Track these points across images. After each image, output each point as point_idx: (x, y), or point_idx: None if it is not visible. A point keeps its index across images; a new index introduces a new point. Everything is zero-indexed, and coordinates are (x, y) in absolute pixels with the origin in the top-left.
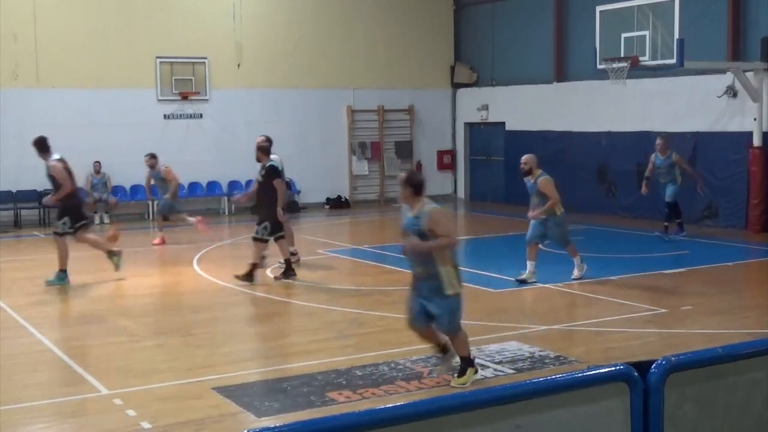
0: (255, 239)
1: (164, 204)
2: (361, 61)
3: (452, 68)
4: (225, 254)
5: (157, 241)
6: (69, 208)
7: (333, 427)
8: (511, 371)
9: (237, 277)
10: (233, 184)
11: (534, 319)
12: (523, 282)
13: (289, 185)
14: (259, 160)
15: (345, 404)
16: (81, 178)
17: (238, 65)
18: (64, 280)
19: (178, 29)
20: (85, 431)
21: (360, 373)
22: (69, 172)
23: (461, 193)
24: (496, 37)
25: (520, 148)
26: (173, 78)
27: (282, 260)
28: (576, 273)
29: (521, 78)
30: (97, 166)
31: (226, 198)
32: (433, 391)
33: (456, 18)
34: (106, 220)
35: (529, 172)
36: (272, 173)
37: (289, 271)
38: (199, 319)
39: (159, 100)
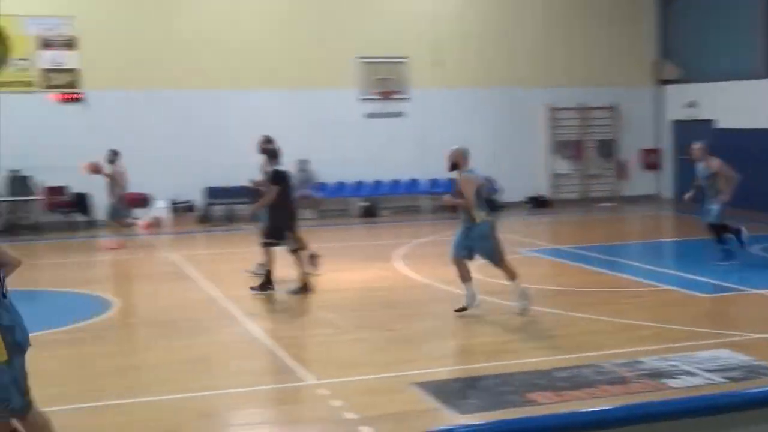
0: (292, 251)
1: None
2: (560, 59)
3: (656, 64)
4: (428, 252)
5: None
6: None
7: (546, 427)
8: (723, 380)
9: (292, 291)
10: (433, 183)
11: (746, 327)
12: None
13: (491, 183)
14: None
15: (546, 406)
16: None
17: (438, 64)
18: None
19: (378, 30)
20: (293, 418)
21: (561, 375)
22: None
23: (668, 193)
24: (703, 30)
25: (729, 147)
26: (374, 78)
27: (261, 270)
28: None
29: (730, 73)
30: (301, 164)
31: (429, 197)
32: (639, 396)
33: (662, 13)
34: (309, 216)
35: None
36: (274, 178)
37: (267, 284)
38: (400, 314)
39: (360, 99)
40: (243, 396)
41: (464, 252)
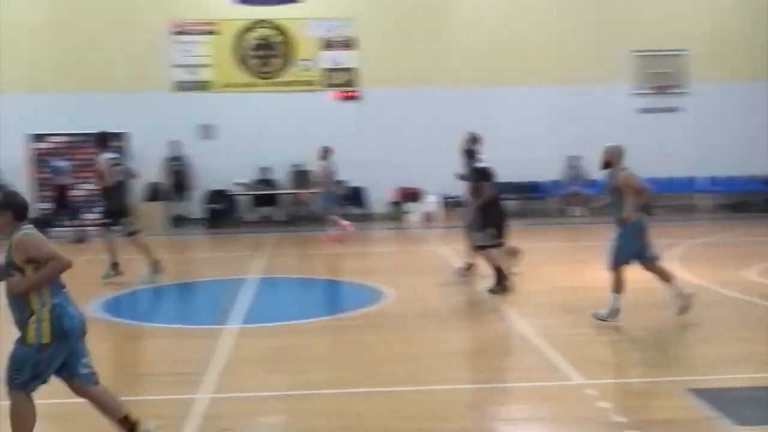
0: (477, 247)
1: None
2: None
3: None
4: (706, 253)
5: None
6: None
7: None
8: None
9: (490, 291)
10: (713, 181)
11: None
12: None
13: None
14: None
15: None
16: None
17: (717, 57)
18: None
19: (654, 21)
20: (559, 417)
21: None
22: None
23: None
24: None
25: None
26: (648, 71)
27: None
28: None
29: None
30: (571, 161)
31: (710, 195)
32: None
33: None
34: (578, 213)
35: None
36: (479, 176)
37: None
38: (670, 317)
39: (633, 94)
40: (510, 391)
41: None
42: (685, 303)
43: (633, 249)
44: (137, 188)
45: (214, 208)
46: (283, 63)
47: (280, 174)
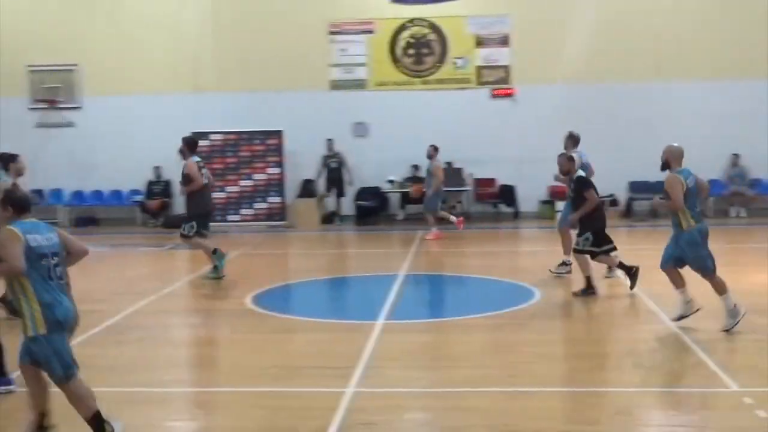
0: (575, 251)
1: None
2: None
3: None
4: None
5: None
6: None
7: None
8: None
9: (575, 293)
10: None
11: None
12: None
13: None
14: (567, 171)
15: None
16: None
17: None
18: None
19: None
20: (713, 425)
21: None
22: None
23: None
24: None
25: None
26: None
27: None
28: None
29: None
30: (734, 159)
31: None
32: None
33: None
34: (743, 214)
35: None
36: (581, 185)
37: (588, 288)
38: None
39: None
40: (661, 396)
41: (672, 262)
42: (731, 321)
43: (686, 255)
44: (294, 185)
45: (365, 204)
46: (437, 61)
47: None
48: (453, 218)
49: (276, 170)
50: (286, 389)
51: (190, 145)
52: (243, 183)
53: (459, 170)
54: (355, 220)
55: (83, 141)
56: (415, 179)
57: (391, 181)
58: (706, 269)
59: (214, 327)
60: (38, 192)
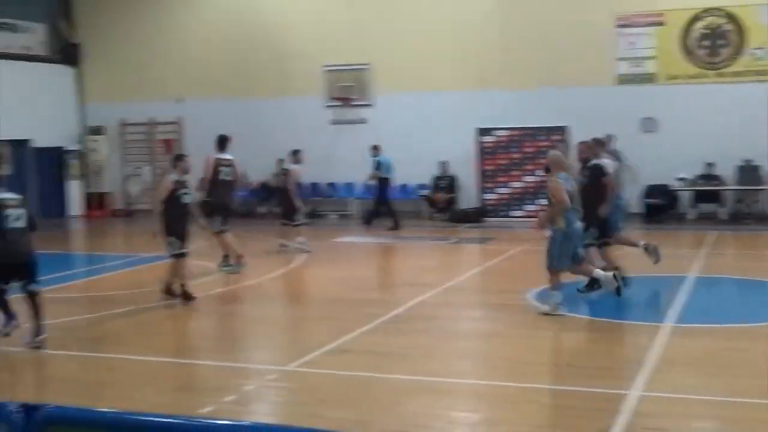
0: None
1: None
2: None
3: None
4: None
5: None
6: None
7: None
8: None
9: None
10: None
11: None
12: None
13: None
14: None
15: None
16: None
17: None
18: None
19: None
20: None
21: None
22: None
23: None
24: None
25: None
26: None
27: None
28: None
29: None
30: None
31: None
32: None
33: None
34: None
35: None
36: (597, 173)
37: (593, 284)
38: None
39: None
40: None
41: None
42: None
43: None
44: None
45: (653, 202)
46: (733, 52)
47: (725, 170)
48: None
49: None
50: (565, 387)
51: (219, 142)
52: (526, 179)
53: (756, 168)
54: (643, 219)
55: (374, 137)
56: (708, 178)
57: (681, 179)
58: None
59: (495, 321)
60: (332, 185)
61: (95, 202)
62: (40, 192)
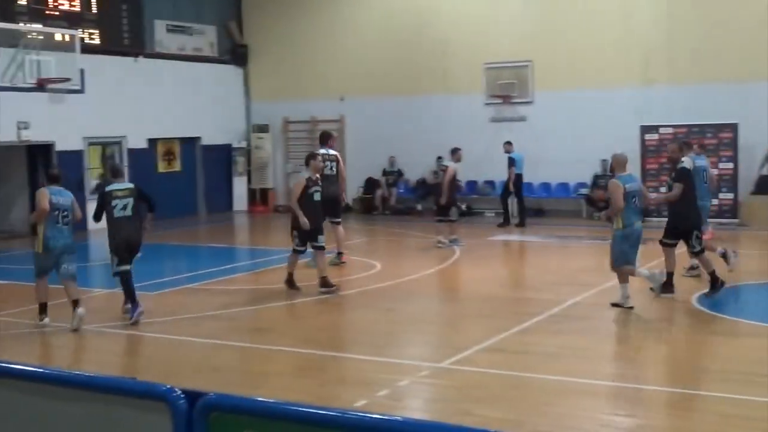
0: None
1: None
2: None
3: None
4: None
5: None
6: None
7: None
8: None
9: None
10: None
11: None
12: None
13: None
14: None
15: None
16: None
17: None
18: None
19: None
20: None
21: None
22: None
23: None
24: None
25: None
26: None
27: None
28: None
29: None
30: None
31: None
32: None
33: None
34: None
35: None
36: (680, 175)
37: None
38: None
39: None
40: None
41: None
42: None
43: None
44: (747, 182)
45: None
46: None
47: None
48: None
49: (728, 165)
50: (734, 396)
51: (322, 138)
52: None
53: None
54: None
55: (533, 135)
56: None
57: None
58: None
59: (656, 324)
60: (490, 183)
61: (259, 198)
62: (207, 188)
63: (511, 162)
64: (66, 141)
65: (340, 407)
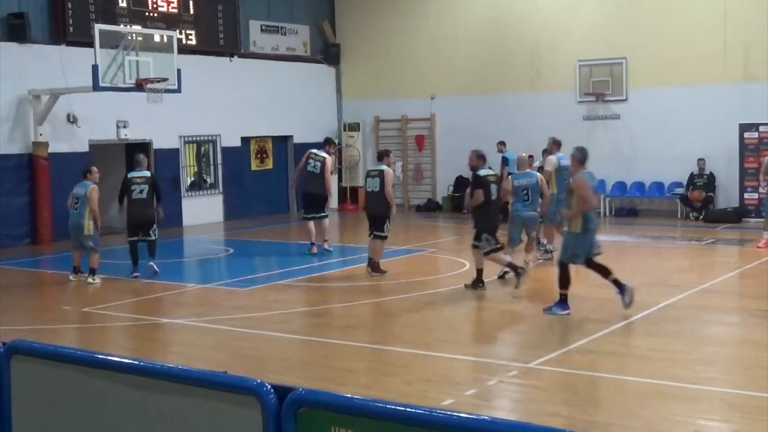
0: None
1: None
2: None
3: None
4: None
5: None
6: None
7: None
8: None
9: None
10: None
11: None
12: None
13: None
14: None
15: None
16: None
17: None
18: None
19: None
20: None
21: None
22: None
23: None
24: None
25: None
26: None
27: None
28: None
29: None
30: None
31: None
32: None
33: None
34: None
35: None
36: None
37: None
38: None
39: None
40: None
41: None
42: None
43: None
44: None
45: None
46: None
47: None
48: None
49: None
50: None
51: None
52: None
53: None
54: None
55: (627, 133)
56: None
57: None
58: None
59: (752, 327)
60: None
61: (349, 196)
62: (298, 186)
63: (505, 162)
64: (162, 139)
65: (427, 406)
